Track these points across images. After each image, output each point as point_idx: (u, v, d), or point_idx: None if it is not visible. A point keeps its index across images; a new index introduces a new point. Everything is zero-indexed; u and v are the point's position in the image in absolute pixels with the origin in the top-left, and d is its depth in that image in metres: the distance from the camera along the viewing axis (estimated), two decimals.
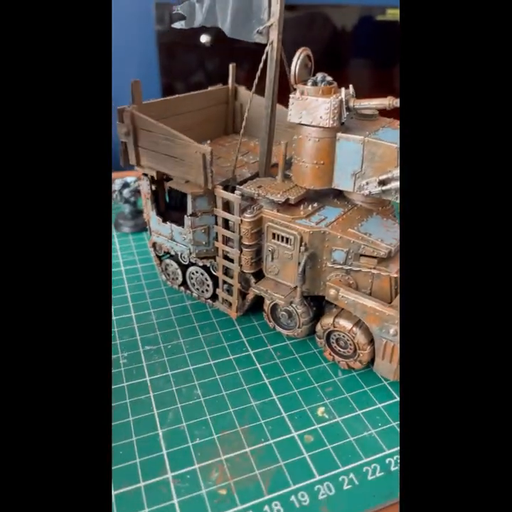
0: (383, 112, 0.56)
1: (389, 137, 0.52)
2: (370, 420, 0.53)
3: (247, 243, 0.58)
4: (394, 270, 0.53)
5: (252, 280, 0.62)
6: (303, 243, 0.54)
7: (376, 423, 0.52)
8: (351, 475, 0.47)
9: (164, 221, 0.66)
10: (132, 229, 0.92)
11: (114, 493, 0.45)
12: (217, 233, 0.62)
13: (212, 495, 0.45)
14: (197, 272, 0.69)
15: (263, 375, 0.59)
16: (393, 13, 2.22)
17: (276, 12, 0.53)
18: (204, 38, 2.00)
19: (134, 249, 0.86)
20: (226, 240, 0.61)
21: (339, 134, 0.53)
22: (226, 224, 0.60)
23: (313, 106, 0.52)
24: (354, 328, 0.55)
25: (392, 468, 0.47)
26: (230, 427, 0.52)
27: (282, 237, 0.56)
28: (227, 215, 0.59)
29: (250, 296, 0.64)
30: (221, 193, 0.58)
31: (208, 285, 0.68)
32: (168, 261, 0.72)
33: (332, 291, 0.55)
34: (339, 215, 0.57)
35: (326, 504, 0.44)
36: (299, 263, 0.55)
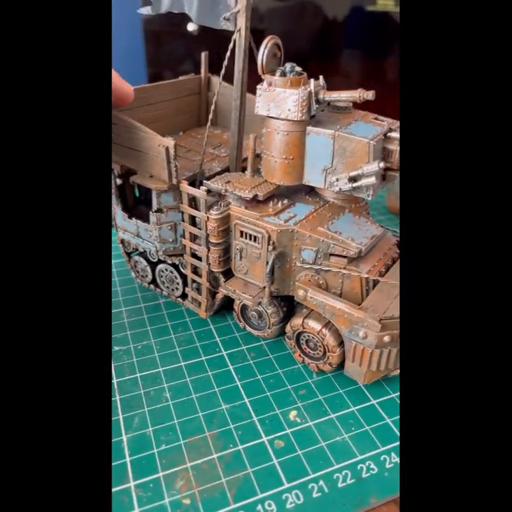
0: (357, 105, 0.54)
1: (361, 131, 0.50)
2: (343, 424, 0.51)
3: (214, 241, 0.56)
4: (365, 270, 0.51)
5: (222, 279, 0.60)
6: (271, 242, 0.52)
7: (349, 427, 0.51)
8: (321, 482, 0.45)
9: (130, 217, 0.63)
10: None
11: None
12: (184, 230, 0.59)
13: (176, 504, 0.43)
14: (166, 270, 0.66)
15: (235, 376, 0.57)
16: (384, 4, 2.19)
17: None
18: (191, 27, 1.96)
19: None
20: (193, 238, 0.59)
21: (309, 128, 0.51)
22: (193, 221, 0.58)
23: (281, 98, 0.49)
24: (323, 330, 0.53)
25: (364, 475, 0.46)
26: (198, 431, 0.50)
27: (250, 236, 0.54)
28: (194, 212, 0.56)
29: (220, 296, 0.62)
30: (186, 189, 0.56)
31: (178, 283, 0.66)
32: (136, 258, 0.70)
33: (301, 292, 0.53)
34: (309, 212, 0.55)
35: None
36: (267, 262, 0.53)
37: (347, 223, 0.54)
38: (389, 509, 0.44)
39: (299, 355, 0.58)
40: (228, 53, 0.53)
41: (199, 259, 0.60)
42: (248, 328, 0.62)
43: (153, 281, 0.70)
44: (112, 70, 0.49)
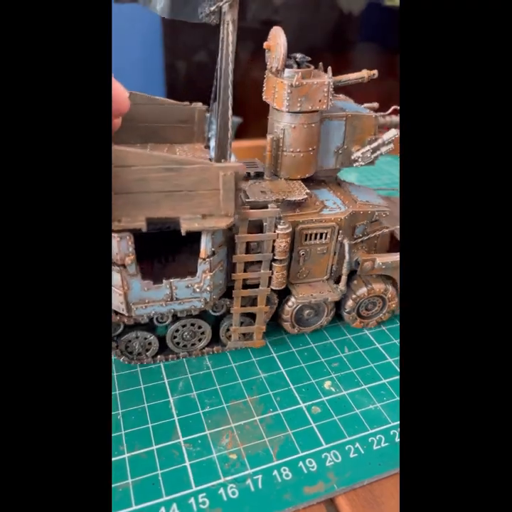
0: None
1: (354, 108, 0.55)
2: (375, 394, 0.54)
3: (281, 258, 0.52)
4: (392, 226, 0.59)
5: (274, 297, 0.58)
6: (340, 231, 0.55)
7: (381, 397, 0.54)
8: (357, 444, 0.48)
9: (158, 282, 0.48)
10: None
11: (127, 455, 0.46)
12: (234, 264, 0.52)
13: (224, 459, 0.46)
14: (184, 326, 0.56)
15: (271, 348, 0.60)
16: None
17: None
18: None
19: None
20: (247, 266, 0.53)
21: (324, 114, 0.53)
22: (247, 247, 0.52)
23: (312, 90, 0.50)
24: (387, 286, 0.59)
25: (397, 440, 0.49)
26: (239, 396, 0.53)
27: (315, 235, 0.54)
28: (258, 237, 0.50)
29: (268, 316, 0.59)
30: (254, 214, 0.48)
31: (203, 332, 0.57)
32: (131, 335, 0.55)
33: (367, 264, 0.57)
34: (333, 193, 0.59)
35: (333, 470, 0.45)
36: (335, 253, 0.56)
37: (360, 192, 0.59)
38: None
39: (360, 322, 0.63)
40: (220, 50, 0.48)
41: (254, 286, 0.54)
42: (302, 330, 0.62)
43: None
44: (116, 86, 0.41)
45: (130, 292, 0.47)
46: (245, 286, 0.54)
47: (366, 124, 0.55)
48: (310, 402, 0.53)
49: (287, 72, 0.50)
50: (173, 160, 0.42)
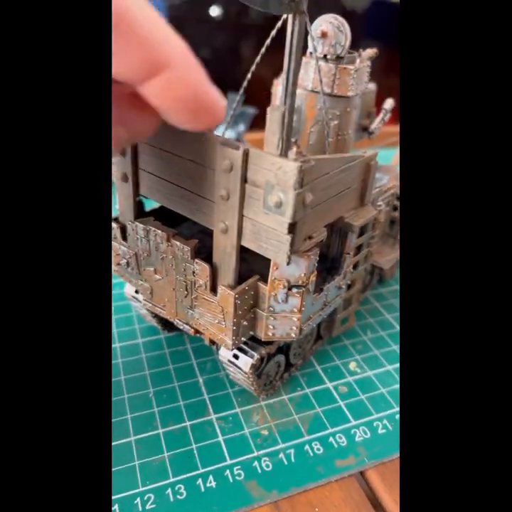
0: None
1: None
2: (399, 374, 0.55)
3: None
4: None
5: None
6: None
7: None
8: (385, 421, 0.49)
9: (317, 291, 0.44)
10: None
11: (161, 431, 0.47)
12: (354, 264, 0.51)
13: (255, 434, 0.47)
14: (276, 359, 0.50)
15: None
16: None
17: None
18: (214, 11, 1.98)
19: None
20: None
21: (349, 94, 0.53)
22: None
23: (362, 72, 0.52)
24: None
25: None
26: None
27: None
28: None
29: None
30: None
31: (280, 365, 0.51)
32: (271, 364, 0.49)
33: None
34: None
35: (362, 445, 0.47)
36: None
37: None
38: None
39: None
40: (268, 40, 0.45)
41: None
42: None
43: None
44: (199, 72, 0.28)
45: (304, 312, 0.42)
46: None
47: (369, 98, 0.59)
48: (336, 382, 0.54)
49: (347, 58, 0.51)
50: (347, 159, 0.41)
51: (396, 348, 0.59)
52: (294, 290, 0.40)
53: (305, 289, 0.40)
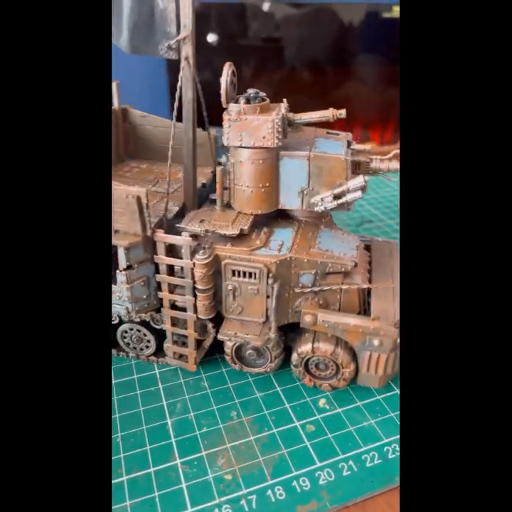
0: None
1: (330, 148, 0.52)
2: (369, 411, 0.55)
3: (202, 287, 0.52)
4: (361, 280, 0.53)
5: (209, 325, 0.57)
6: (270, 274, 0.51)
7: (375, 414, 0.54)
8: (350, 462, 0.49)
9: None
10: None
11: (125, 478, 0.47)
12: (159, 283, 0.55)
13: (219, 480, 0.47)
14: (131, 330, 0.60)
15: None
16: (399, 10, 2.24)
17: (188, 24, 0.47)
18: (211, 37, 2.03)
19: None
20: (173, 288, 0.55)
21: (281, 153, 0.51)
22: (171, 270, 0.54)
23: (254, 126, 0.49)
24: (336, 349, 0.53)
25: (390, 456, 0.50)
26: (236, 417, 0.54)
27: (244, 273, 0.52)
28: (175, 261, 0.52)
29: (207, 343, 0.59)
30: (165, 238, 0.52)
31: (149, 340, 0.61)
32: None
33: (308, 318, 0.52)
34: (293, 236, 0.55)
35: (326, 488, 0.46)
36: (268, 297, 0.52)
37: (330, 239, 0.55)
38: None
39: (310, 380, 0.57)
40: (179, 83, 0.51)
41: (182, 310, 0.56)
42: (245, 369, 0.59)
43: (114, 344, 0.62)
44: None
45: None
46: (174, 307, 0.56)
47: (334, 167, 0.50)
48: (305, 420, 0.54)
49: (232, 106, 0.50)
50: None
51: None
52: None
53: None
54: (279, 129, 0.49)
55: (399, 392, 0.57)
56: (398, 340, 0.51)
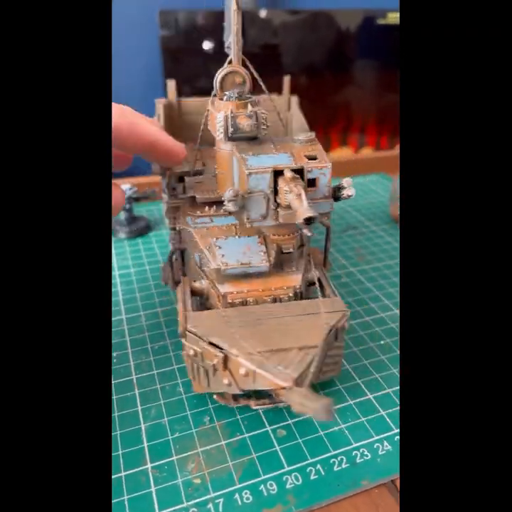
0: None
1: (262, 160, 0.51)
2: (340, 416, 0.55)
3: None
4: None
5: None
6: None
7: (346, 418, 0.55)
8: (318, 466, 0.50)
9: None
10: (128, 235, 0.96)
11: None
12: None
13: (188, 484, 0.48)
14: None
15: None
16: (394, 17, 2.26)
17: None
18: (206, 45, 2.06)
19: (128, 255, 0.90)
20: None
21: (234, 150, 0.53)
22: None
23: (217, 120, 0.54)
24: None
25: (358, 460, 0.50)
26: (208, 422, 0.55)
27: None
28: None
29: None
30: None
31: None
32: None
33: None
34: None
35: (292, 492, 0.47)
36: None
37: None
38: (380, 491, 0.48)
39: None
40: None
41: None
42: None
43: None
44: (162, 132, 0.54)
45: None
46: None
47: (243, 173, 0.50)
48: (276, 425, 0.54)
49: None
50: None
51: (341, 387, 0.60)
52: None
53: None
54: (222, 126, 0.53)
55: (371, 397, 0.58)
56: None
